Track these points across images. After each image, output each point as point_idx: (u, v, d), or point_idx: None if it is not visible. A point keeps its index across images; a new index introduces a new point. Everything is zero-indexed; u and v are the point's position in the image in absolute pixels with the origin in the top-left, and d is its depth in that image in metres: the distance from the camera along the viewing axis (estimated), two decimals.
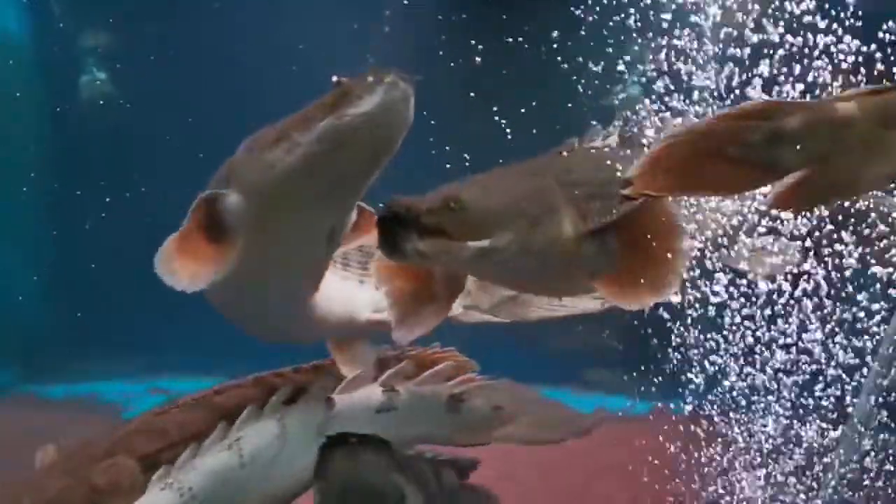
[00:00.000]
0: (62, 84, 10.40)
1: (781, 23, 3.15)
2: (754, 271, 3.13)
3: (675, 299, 2.90)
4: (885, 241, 3.25)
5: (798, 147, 2.09)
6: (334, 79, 2.49)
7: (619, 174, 2.62)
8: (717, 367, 3.81)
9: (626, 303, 2.48)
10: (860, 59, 3.11)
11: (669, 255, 2.41)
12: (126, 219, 8.35)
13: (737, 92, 3.24)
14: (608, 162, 2.74)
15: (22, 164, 9.78)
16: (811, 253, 3.28)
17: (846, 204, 3.15)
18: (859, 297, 3.66)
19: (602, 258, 2.50)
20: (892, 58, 3.13)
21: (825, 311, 3.57)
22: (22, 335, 9.23)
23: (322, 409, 2.91)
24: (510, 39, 6.97)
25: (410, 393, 3.09)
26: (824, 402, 3.89)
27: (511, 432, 3.21)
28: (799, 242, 3.09)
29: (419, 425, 3.08)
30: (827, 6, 3.16)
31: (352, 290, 3.19)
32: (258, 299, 2.86)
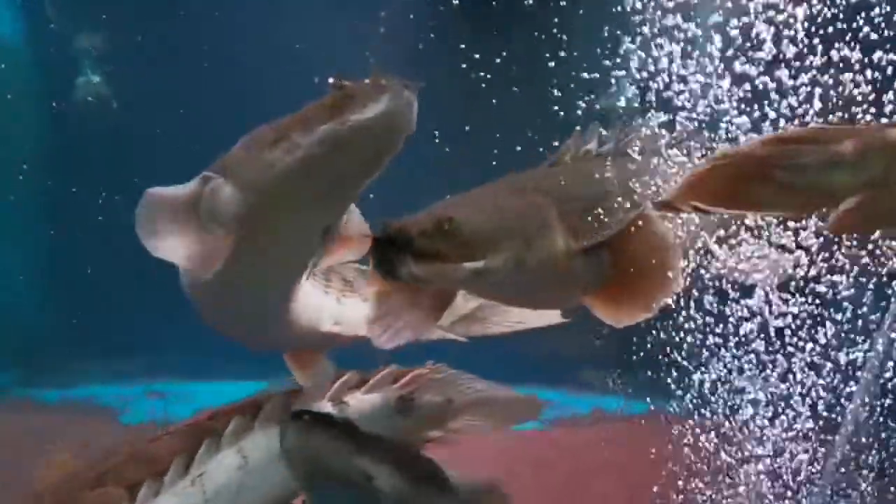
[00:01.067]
0: (58, 86, 10.39)
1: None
2: (751, 278, 3.13)
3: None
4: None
5: (853, 172, 2.09)
6: (332, 80, 2.49)
7: (612, 186, 2.64)
8: (712, 368, 3.82)
9: (615, 319, 2.49)
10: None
11: (661, 274, 2.42)
12: (124, 221, 8.34)
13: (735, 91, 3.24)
14: (602, 174, 2.74)
15: (18, 167, 9.77)
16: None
17: None
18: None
19: (594, 273, 2.51)
20: None
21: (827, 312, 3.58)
22: (19, 338, 9.21)
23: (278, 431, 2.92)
24: (506, 39, 6.98)
25: (358, 402, 3.10)
26: (823, 402, 3.90)
27: (467, 422, 3.22)
28: (795, 253, 3.09)
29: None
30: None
31: (318, 299, 3.18)
32: (240, 295, 2.84)
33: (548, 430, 7.96)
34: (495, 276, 2.41)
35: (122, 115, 9.82)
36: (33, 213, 10.12)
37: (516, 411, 3.45)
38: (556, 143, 2.95)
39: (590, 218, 2.55)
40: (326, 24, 8.87)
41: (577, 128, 2.93)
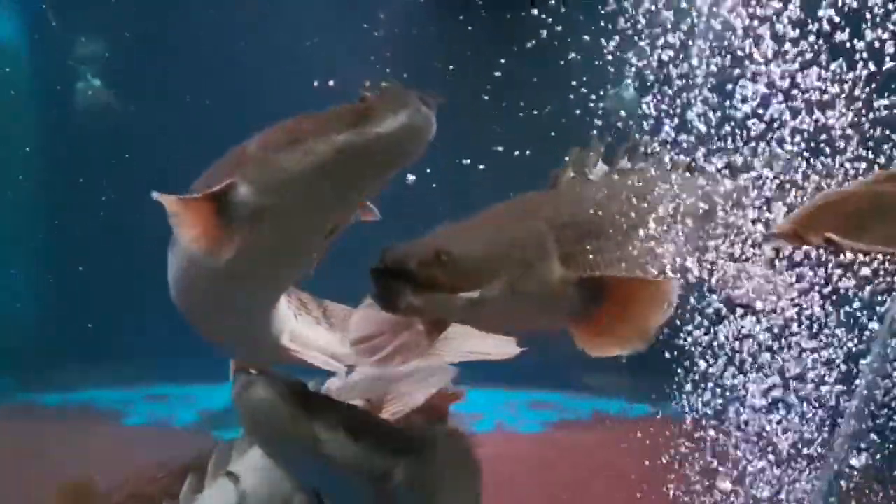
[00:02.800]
0: (57, 91, 10.39)
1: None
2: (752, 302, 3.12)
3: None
4: None
5: None
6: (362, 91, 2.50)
7: (611, 211, 2.67)
8: (714, 371, 3.82)
9: (593, 349, 2.51)
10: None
11: (648, 320, 2.45)
12: (122, 226, 8.34)
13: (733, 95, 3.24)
14: (600, 197, 2.76)
15: (16, 172, 9.77)
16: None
17: None
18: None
19: (584, 301, 2.53)
20: None
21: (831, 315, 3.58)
22: (19, 342, 9.21)
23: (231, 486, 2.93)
24: (505, 40, 6.97)
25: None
26: (823, 404, 3.90)
27: (400, 403, 3.21)
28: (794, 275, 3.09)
29: None
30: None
31: (286, 310, 3.21)
32: (236, 289, 2.86)
33: (549, 432, 7.96)
34: (493, 304, 2.43)
35: (120, 120, 9.83)
36: (33, 216, 10.13)
37: (437, 379, 3.45)
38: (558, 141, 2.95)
39: (589, 241, 2.59)
40: (322, 27, 8.88)
41: (576, 148, 2.94)
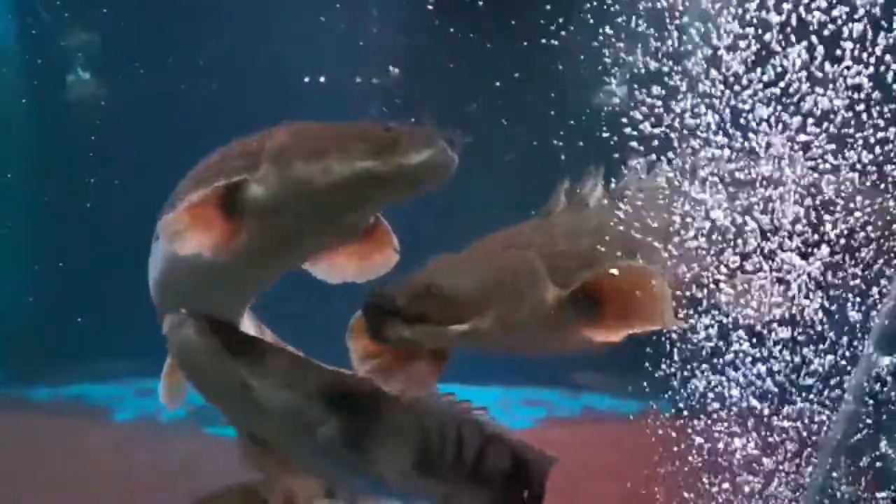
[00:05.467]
0: (48, 87, 10.33)
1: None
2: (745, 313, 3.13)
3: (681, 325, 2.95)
4: None
5: None
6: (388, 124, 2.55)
7: (604, 239, 2.69)
8: (707, 368, 3.82)
9: (613, 336, 2.55)
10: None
11: (653, 314, 2.48)
12: (112, 220, 8.32)
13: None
14: (594, 225, 2.77)
15: (6, 165, 9.72)
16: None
17: None
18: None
19: (584, 313, 2.56)
20: None
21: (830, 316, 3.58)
22: (8, 337, 9.16)
23: None
24: (496, 40, 6.98)
25: None
26: (818, 402, 3.90)
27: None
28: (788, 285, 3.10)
29: None
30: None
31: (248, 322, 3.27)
32: (223, 285, 2.89)
33: (540, 428, 7.96)
34: (485, 335, 2.50)
35: (111, 117, 9.78)
36: (22, 212, 10.08)
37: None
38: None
39: (582, 272, 2.62)
40: (316, 27, 8.85)
41: (566, 179, 2.95)
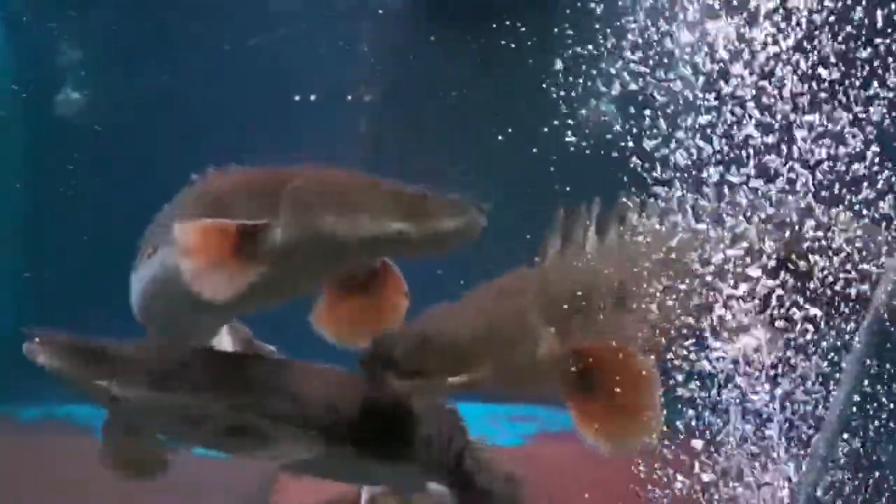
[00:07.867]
0: (38, 97, 10.30)
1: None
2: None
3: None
4: None
5: None
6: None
7: (598, 284, 2.71)
8: (703, 382, 3.83)
9: (597, 441, 2.58)
10: None
11: (643, 407, 2.51)
12: (101, 236, 8.29)
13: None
14: (588, 269, 2.79)
15: None
16: None
17: None
18: None
19: (576, 373, 2.59)
20: None
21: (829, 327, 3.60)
22: None
23: None
24: (488, 47, 7.00)
25: None
26: (813, 410, 3.92)
27: None
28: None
29: None
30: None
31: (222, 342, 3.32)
32: (208, 318, 3.00)
33: (529, 444, 7.95)
34: (480, 385, 2.57)
35: (100, 125, 9.76)
36: (9, 226, 10.03)
37: None
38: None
39: (578, 317, 2.66)
40: (311, 31, 8.86)
41: (559, 218, 2.97)
